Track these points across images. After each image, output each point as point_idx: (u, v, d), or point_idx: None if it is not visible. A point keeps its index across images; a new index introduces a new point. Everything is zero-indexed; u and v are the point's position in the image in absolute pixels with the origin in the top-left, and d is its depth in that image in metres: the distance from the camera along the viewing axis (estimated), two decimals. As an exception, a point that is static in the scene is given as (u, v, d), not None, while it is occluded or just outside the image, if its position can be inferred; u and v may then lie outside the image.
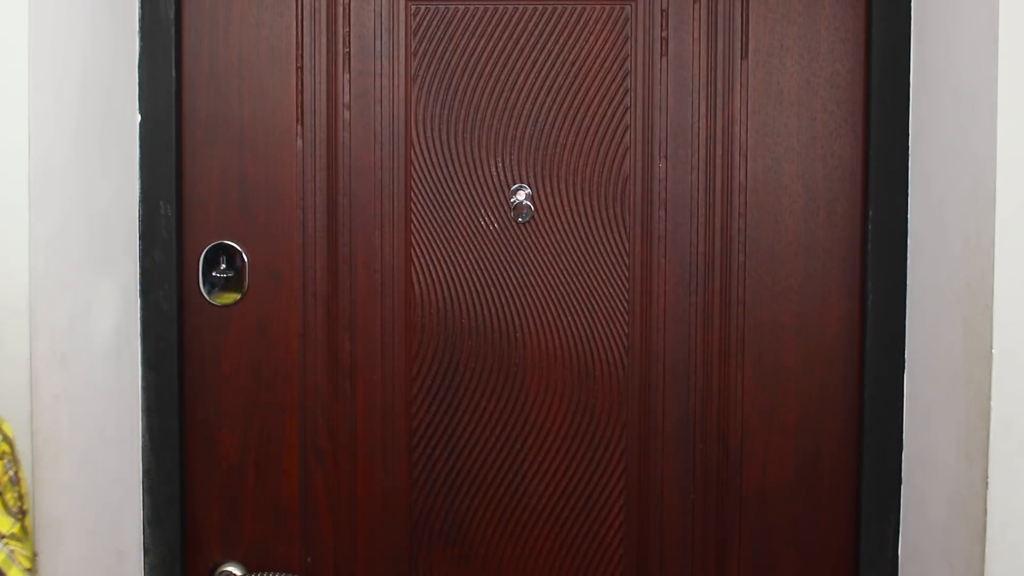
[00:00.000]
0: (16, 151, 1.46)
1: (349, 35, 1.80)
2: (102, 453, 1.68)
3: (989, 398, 1.46)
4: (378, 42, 1.80)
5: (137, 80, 1.77)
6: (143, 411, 1.80)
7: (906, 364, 1.75)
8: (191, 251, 1.82)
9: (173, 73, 1.78)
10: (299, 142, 1.80)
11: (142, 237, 1.79)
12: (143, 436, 1.80)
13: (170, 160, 1.79)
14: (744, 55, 1.80)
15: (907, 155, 1.75)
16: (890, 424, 1.77)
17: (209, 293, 1.82)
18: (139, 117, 1.77)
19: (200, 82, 1.80)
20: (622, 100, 1.80)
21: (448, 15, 1.79)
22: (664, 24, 1.79)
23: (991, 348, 1.45)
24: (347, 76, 1.80)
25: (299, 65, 1.80)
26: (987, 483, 1.46)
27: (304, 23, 1.80)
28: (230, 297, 1.81)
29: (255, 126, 1.81)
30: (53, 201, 1.54)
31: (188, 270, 1.82)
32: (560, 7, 1.79)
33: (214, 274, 1.81)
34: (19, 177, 1.46)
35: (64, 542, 1.56)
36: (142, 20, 1.77)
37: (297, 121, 1.80)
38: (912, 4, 1.74)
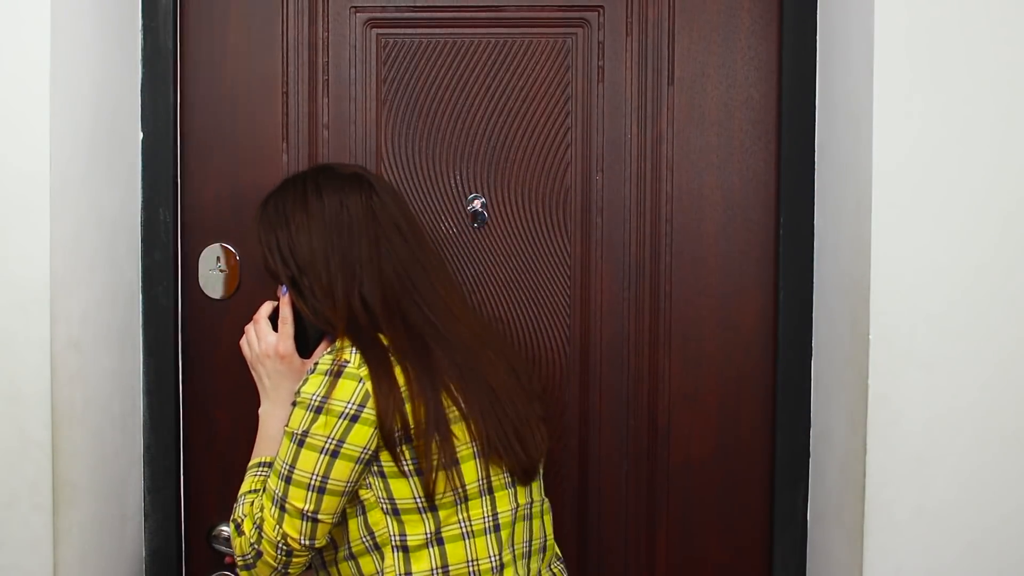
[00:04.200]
0: (39, 165, 1.61)
1: (328, 64, 1.92)
2: (109, 428, 1.81)
3: (867, 376, 1.62)
4: (352, 70, 1.92)
5: (140, 102, 1.89)
6: (144, 393, 1.92)
7: (813, 351, 1.88)
8: (191, 251, 1.94)
9: (171, 96, 1.89)
10: (284, 157, 1.92)
11: (143, 240, 1.91)
12: (143, 414, 1.92)
13: (168, 172, 1.90)
14: (671, 82, 1.91)
15: (813, 169, 1.86)
16: (799, 404, 1.89)
17: (207, 288, 1.95)
18: (141, 134, 1.89)
19: (199, 106, 1.92)
20: (564, 121, 1.91)
21: (413, 46, 1.92)
22: (601, 55, 1.91)
23: (869, 334, 1.62)
24: (326, 100, 1.92)
25: (284, 91, 1.92)
26: (866, 449, 1.62)
27: (288, 54, 1.92)
28: (225, 291, 1.95)
29: (247, 144, 1.92)
30: (69, 208, 1.67)
31: (189, 268, 1.95)
32: (510, 39, 1.91)
33: (211, 271, 1.94)
34: (42, 187, 1.61)
35: (77, 503, 1.70)
36: (144, 49, 1.89)
37: (283, 139, 1.92)
38: (818, 38, 1.85)
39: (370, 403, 1.51)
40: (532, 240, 1.95)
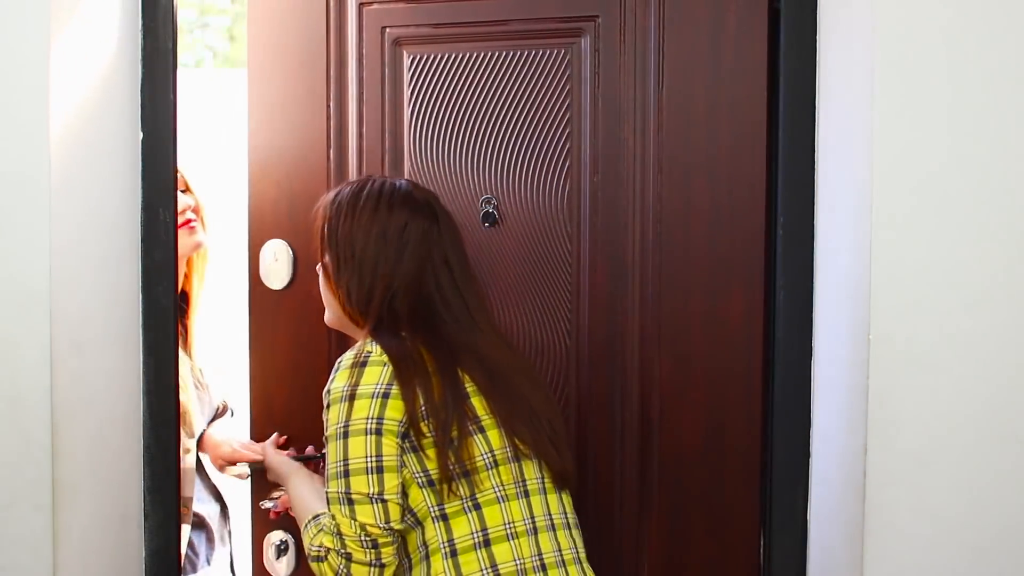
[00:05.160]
0: (39, 165, 1.63)
1: (363, 80, 2.09)
2: (109, 429, 1.83)
3: (867, 376, 1.63)
4: (382, 84, 2.08)
5: (140, 102, 1.90)
6: (143, 393, 1.92)
7: (814, 351, 1.87)
8: (254, 247, 2.14)
9: (171, 96, 1.91)
10: (328, 164, 2.11)
11: (143, 240, 1.92)
12: (143, 414, 1.93)
13: (168, 172, 1.92)
14: (660, 87, 1.95)
15: (813, 170, 1.85)
16: (799, 404, 1.88)
17: (267, 279, 2.13)
18: (141, 134, 1.90)
19: (263, 121, 2.13)
20: (566, 126, 1.99)
21: (435, 61, 2.05)
22: (597, 62, 1.98)
23: (869, 334, 1.63)
24: (362, 112, 2.09)
25: (327, 104, 2.10)
26: (866, 449, 1.63)
27: (331, 72, 2.09)
28: (282, 282, 2.13)
29: (297, 153, 2.12)
30: (69, 208, 1.69)
31: (252, 262, 2.14)
32: (518, 51, 2.01)
33: (270, 264, 2.13)
34: (42, 187, 1.64)
35: (77, 505, 1.71)
36: (144, 50, 1.90)
37: (327, 148, 2.11)
38: (818, 38, 1.83)
39: (397, 382, 1.64)
40: (538, 240, 2.02)
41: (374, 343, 1.68)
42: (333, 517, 1.63)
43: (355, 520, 1.60)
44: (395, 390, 1.63)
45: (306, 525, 1.71)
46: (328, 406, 1.66)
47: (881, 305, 1.63)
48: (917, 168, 1.62)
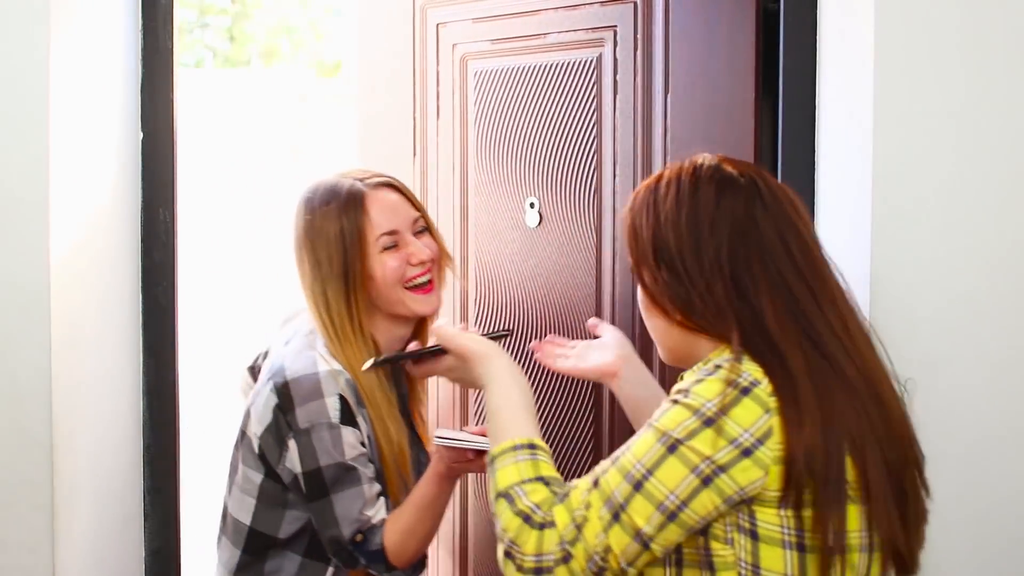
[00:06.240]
0: (39, 165, 1.64)
1: (439, 93, 2.36)
2: (109, 428, 1.83)
3: (867, 376, 1.66)
4: (454, 97, 2.32)
5: (140, 102, 1.90)
6: (144, 393, 1.93)
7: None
8: None
9: (171, 96, 1.92)
10: (414, 167, 2.40)
11: (143, 240, 1.92)
12: (143, 414, 1.93)
13: (168, 172, 1.92)
14: (667, 91, 2.02)
15: (813, 169, 1.83)
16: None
17: None
18: (141, 135, 1.91)
19: (370, 134, 2.48)
20: (592, 130, 2.10)
21: (489, 73, 2.26)
22: (615, 69, 2.08)
23: (869, 334, 1.65)
24: (438, 121, 2.36)
25: (414, 115, 2.40)
26: (866, 449, 1.66)
27: (416, 86, 2.39)
28: None
29: (394, 153, 2.42)
30: (69, 208, 1.70)
31: None
32: (558, 59, 2.16)
33: None
34: (42, 187, 1.64)
35: (77, 503, 1.72)
36: (143, 50, 1.90)
37: (413, 153, 2.41)
38: (818, 38, 1.81)
39: (772, 442, 1.25)
40: (573, 237, 2.15)
41: (765, 371, 1.28)
42: (589, 507, 1.28)
43: (605, 535, 1.27)
44: (762, 452, 1.24)
45: (516, 448, 1.37)
46: (676, 401, 1.29)
47: (881, 305, 1.63)
48: (917, 167, 1.63)
